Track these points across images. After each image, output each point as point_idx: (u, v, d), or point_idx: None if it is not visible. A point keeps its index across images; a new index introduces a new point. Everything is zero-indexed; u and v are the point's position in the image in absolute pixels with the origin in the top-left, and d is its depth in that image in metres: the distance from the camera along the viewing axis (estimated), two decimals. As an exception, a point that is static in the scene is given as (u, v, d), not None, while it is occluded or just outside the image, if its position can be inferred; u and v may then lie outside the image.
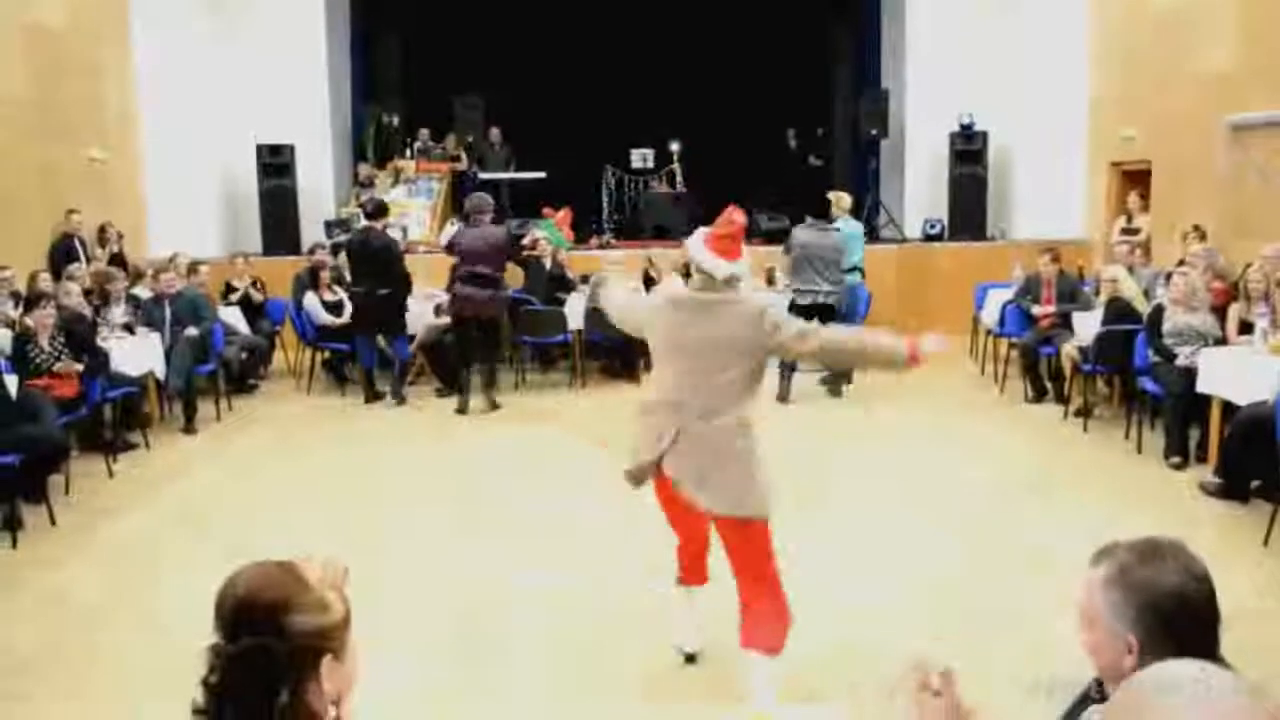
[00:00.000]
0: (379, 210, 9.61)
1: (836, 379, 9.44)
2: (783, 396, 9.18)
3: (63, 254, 9.86)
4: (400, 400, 9.52)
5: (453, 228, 13.24)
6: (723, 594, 3.92)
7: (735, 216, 3.94)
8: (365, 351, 9.68)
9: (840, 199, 10.21)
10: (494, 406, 9.18)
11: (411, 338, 10.38)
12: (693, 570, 4.22)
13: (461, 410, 9.08)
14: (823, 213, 9.77)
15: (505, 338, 10.20)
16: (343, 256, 10.45)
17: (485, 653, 4.49)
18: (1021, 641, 4.41)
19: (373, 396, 9.55)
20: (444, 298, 10.58)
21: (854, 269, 9.90)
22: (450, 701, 4.06)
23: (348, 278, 10.29)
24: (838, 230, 9.39)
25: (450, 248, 9.27)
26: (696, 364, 3.77)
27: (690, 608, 4.28)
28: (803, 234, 9.26)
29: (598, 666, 4.09)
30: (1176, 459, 6.95)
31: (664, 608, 4.39)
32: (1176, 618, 1.77)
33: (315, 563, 1.81)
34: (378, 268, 9.33)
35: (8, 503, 6.12)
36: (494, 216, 9.47)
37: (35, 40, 10.21)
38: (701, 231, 3.94)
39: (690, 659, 4.25)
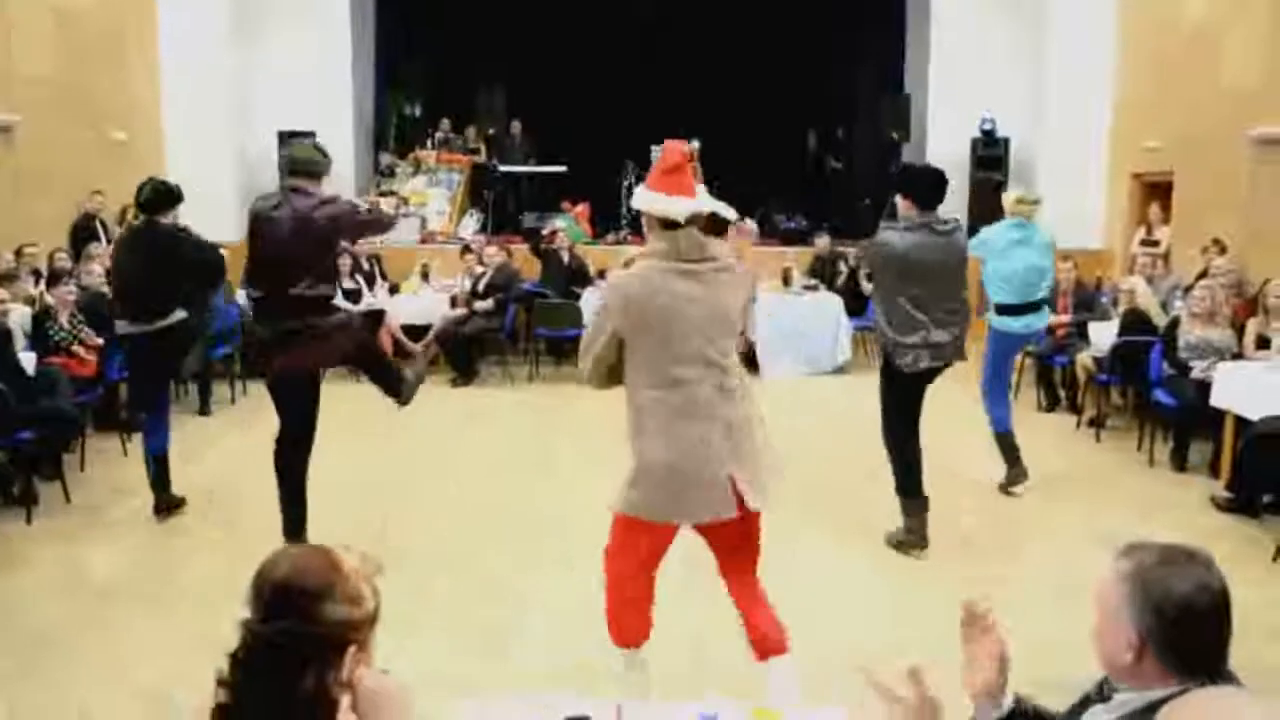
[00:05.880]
0: (161, 198, 6.19)
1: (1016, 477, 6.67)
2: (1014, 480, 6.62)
3: (84, 233, 9.93)
4: (167, 508, 6.11)
5: (471, 219, 13.35)
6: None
7: (676, 145, 3.32)
8: (154, 426, 6.21)
9: (1021, 200, 6.66)
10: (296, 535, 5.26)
11: (426, 328, 10.41)
12: (647, 621, 3.51)
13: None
14: (928, 203, 5.38)
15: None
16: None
17: (490, 645, 4.51)
18: (1027, 647, 4.40)
19: (168, 503, 6.15)
20: (460, 288, 10.61)
21: (1043, 302, 6.68)
22: (452, 693, 4.08)
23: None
24: (957, 230, 5.53)
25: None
26: (701, 346, 3.22)
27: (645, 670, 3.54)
28: (902, 240, 5.27)
29: (603, 661, 4.09)
30: (1176, 465, 7.19)
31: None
32: (1180, 625, 1.79)
33: (353, 553, 1.83)
34: (159, 284, 6.04)
35: (24, 478, 6.18)
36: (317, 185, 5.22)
37: (63, 22, 10.29)
38: (641, 187, 3.35)
39: None
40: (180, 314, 6.13)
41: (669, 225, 3.22)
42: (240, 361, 9.53)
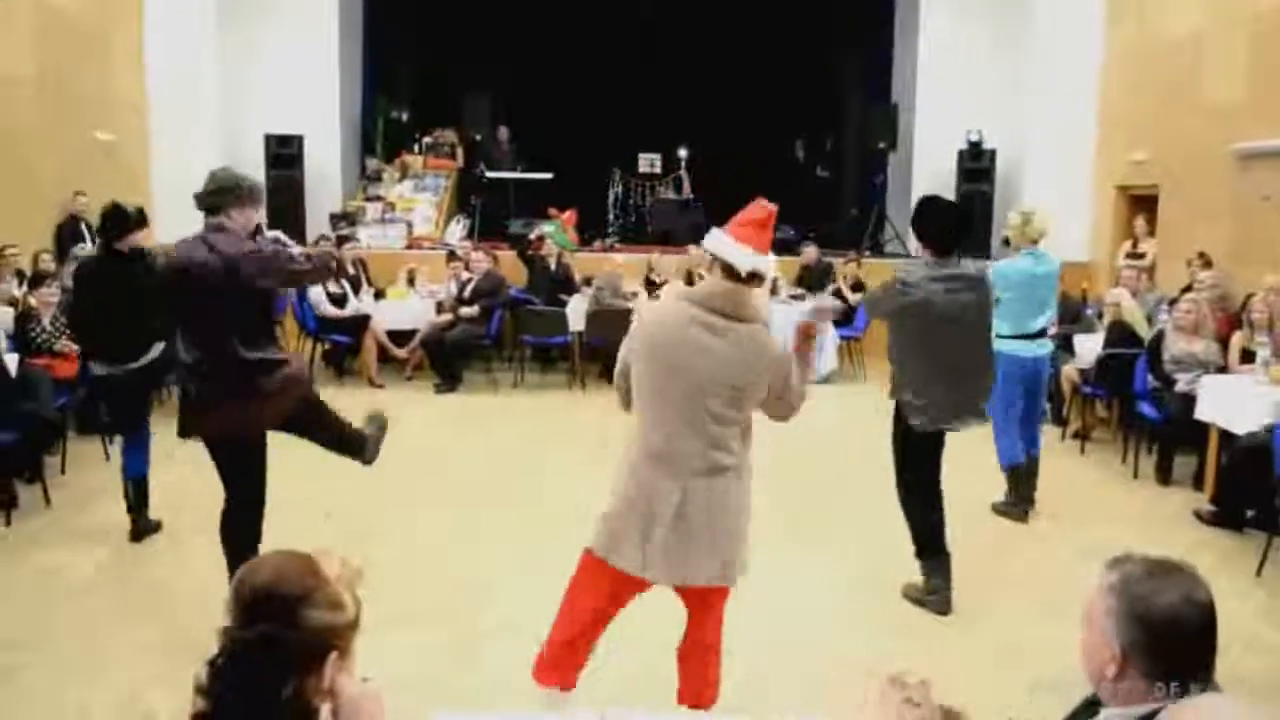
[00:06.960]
0: (116, 222, 5.56)
1: (1023, 502, 6.50)
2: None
3: (68, 234, 9.88)
4: (144, 532, 5.78)
5: (458, 225, 13.33)
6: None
7: (765, 203, 3.26)
8: (134, 452, 5.83)
9: (1029, 221, 6.39)
10: None
11: (412, 333, 10.39)
12: (574, 668, 3.49)
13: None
14: (948, 248, 4.83)
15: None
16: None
17: (467, 652, 4.49)
18: (1011, 658, 4.40)
19: (145, 526, 5.80)
20: (446, 294, 10.58)
21: (1042, 332, 6.43)
22: (425, 700, 4.06)
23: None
24: (982, 280, 4.96)
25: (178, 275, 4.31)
26: (696, 402, 3.11)
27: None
28: (926, 289, 4.73)
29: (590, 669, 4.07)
30: (1160, 478, 7.23)
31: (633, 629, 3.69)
32: (1164, 638, 1.79)
33: (334, 559, 1.81)
34: (133, 323, 5.64)
35: (3, 480, 6.12)
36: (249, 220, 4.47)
37: (47, 21, 10.23)
38: (719, 230, 3.27)
39: None
40: (159, 347, 5.77)
41: (730, 273, 3.15)
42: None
